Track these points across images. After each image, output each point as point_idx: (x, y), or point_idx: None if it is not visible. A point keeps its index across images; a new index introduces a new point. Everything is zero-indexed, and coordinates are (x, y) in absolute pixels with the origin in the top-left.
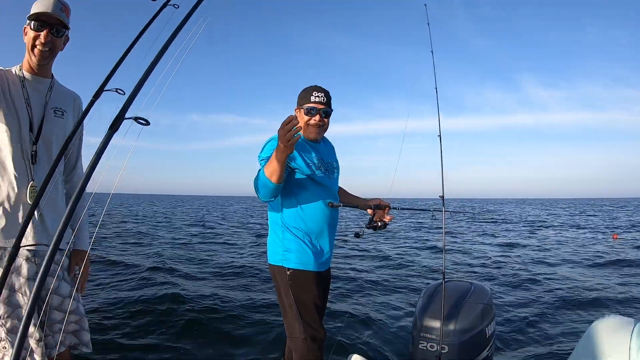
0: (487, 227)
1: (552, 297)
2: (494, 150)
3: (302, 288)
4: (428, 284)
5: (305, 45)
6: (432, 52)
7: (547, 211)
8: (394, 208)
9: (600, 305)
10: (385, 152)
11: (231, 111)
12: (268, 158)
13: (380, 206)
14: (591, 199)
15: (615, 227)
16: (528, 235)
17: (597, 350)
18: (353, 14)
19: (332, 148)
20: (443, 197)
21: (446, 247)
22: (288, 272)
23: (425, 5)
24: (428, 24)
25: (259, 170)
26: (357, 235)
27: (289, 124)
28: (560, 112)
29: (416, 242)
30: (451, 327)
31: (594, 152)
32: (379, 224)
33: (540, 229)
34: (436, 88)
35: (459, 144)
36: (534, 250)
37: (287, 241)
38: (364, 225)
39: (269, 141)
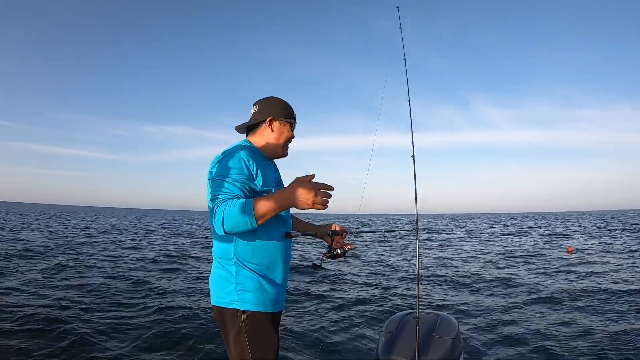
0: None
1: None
2: (446, 166)
3: (260, 334)
4: (392, 312)
5: (260, 59)
6: (404, 59)
7: (496, 224)
8: (350, 232)
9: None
10: (345, 167)
11: (183, 123)
12: (241, 180)
13: (337, 232)
14: (540, 212)
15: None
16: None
17: None
18: (313, 32)
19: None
20: (417, 229)
21: (405, 269)
22: (244, 316)
23: (397, 7)
24: (400, 28)
25: (244, 201)
26: (315, 266)
27: (328, 189)
28: (510, 130)
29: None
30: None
31: (542, 168)
32: (339, 251)
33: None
34: (409, 101)
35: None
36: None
37: (243, 278)
38: (321, 256)
39: (235, 157)
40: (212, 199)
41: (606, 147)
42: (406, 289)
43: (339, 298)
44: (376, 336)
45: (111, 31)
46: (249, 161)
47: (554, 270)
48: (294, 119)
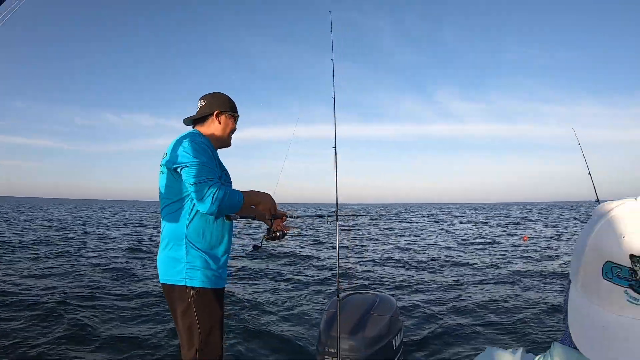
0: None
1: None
2: (411, 158)
3: (207, 308)
4: (330, 297)
5: (226, 49)
6: (332, 60)
7: (459, 214)
8: (290, 217)
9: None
10: (305, 157)
11: (146, 111)
12: (212, 165)
13: (276, 215)
14: (503, 203)
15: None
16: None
17: None
18: (278, 22)
19: None
20: (337, 212)
21: (350, 258)
22: (193, 292)
23: (330, 11)
24: (331, 31)
25: (235, 191)
26: (255, 247)
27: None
28: (477, 123)
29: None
30: (356, 341)
31: (508, 161)
32: (278, 234)
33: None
34: (334, 97)
35: (378, 150)
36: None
37: (192, 258)
38: (261, 237)
39: (203, 145)
40: (199, 182)
41: (570, 142)
42: (346, 269)
43: (286, 280)
44: (319, 316)
45: (70, 12)
46: (211, 148)
47: (506, 255)
48: (237, 112)
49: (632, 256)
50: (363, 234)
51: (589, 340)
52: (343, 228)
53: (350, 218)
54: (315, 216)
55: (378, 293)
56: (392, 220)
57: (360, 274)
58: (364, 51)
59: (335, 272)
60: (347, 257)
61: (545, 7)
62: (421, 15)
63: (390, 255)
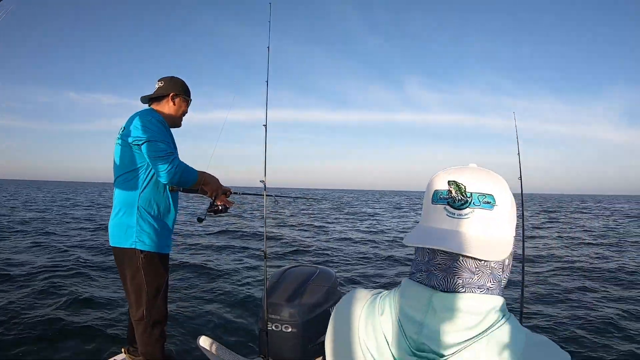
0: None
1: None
2: (376, 144)
3: (154, 271)
4: (278, 267)
5: (192, 30)
6: (268, 47)
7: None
8: (234, 193)
9: None
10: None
11: (110, 91)
12: (170, 141)
13: (220, 190)
14: None
15: None
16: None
17: (339, 323)
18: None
19: None
20: (265, 190)
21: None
22: (141, 255)
23: (270, 3)
24: (269, 22)
25: (191, 168)
26: (199, 219)
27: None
28: (441, 113)
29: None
30: (295, 308)
31: (470, 150)
32: (220, 207)
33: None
34: (267, 81)
35: (342, 136)
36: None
37: (143, 224)
38: (205, 210)
39: (161, 122)
40: (161, 156)
41: (528, 135)
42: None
43: (223, 249)
44: (262, 286)
45: None
46: (166, 126)
47: None
48: (190, 97)
49: (449, 182)
50: (323, 217)
51: (413, 238)
52: (292, 211)
53: (288, 200)
54: (254, 194)
55: (319, 266)
56: (356, 205)
57: (315, 250)
58: (329, 35)
59: (263, 242)
60: (295, 233)
61: (511, 3)
62: (387, 3)
63: (345, 236)
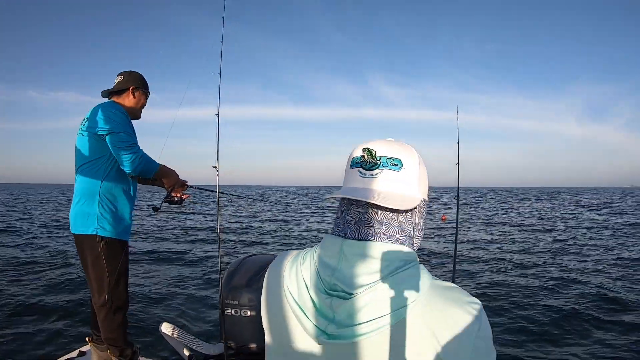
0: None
1: None
2: (339, 139)
3: (115, 257)
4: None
5: (156, 24)
6: (221, 42)
7: None
8: (190, 186)
9: None
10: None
11: (72, 89)
12: (133, 132)
13: (177, 183)
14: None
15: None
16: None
17: (270, 276)
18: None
19: None
20: (217, 171)
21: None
22: (102, 242)
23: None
24: (223, 17)
25: (152, 160)
26: (155, 209)
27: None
28: (405, 108)
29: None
30: (254, 293)
31: (435, 146)
32: (176, 199)
33: None
34: (220, 73)
35: (304, 131)
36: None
37: (104, 211)
38: (161, 200)
39: (124, 114)
40: (126, 147)
41: (495, 130)
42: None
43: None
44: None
45: None
46: (129, 118)
47: (432, 234)
48: (149, 90)
49: (363, 149)
50: (286, 212)
51: (330, 195)
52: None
53: (244, 200)
54: (209, 190)
55: (275, 254)
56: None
57: (274, 241)
58: (297, 30)
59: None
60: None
61: (476, 1)
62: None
63: (311, 228)
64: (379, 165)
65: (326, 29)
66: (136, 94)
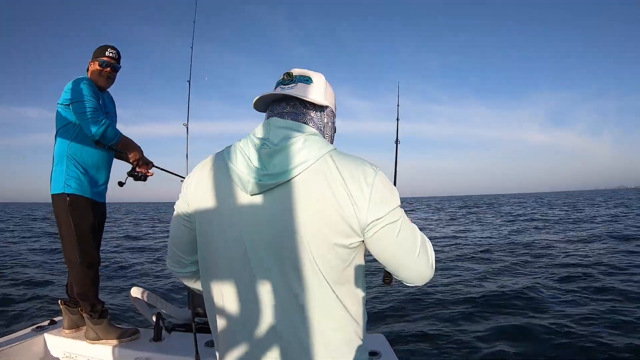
0: None
1: None
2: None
3: (80, 214)
4: None
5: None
6: (191, 47)
7: None
8: (156, 167)
9: None
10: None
11: (33, 104)
12: (92, 100)
13: (145, 161)
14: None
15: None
16: None
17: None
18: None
19: (113, 101)
20: (187, 125)
21: None
22: (67, 198)
23: (196, 2)
24: (194, 21)
25: (115, 128)
26: (120, 183)
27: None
28: (371, 121)
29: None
30: None
31: (401, 157)
32: (140, 175)
33: None
34: (189, 80)
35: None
36: None
37: (70, 171)
38: (126, 174)
39: (88, 85)
40: (86, 112)
41: (460, 139)
42: None
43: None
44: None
45: None
46: (93, 89)
47: None
48: (101, 56)
49: (284, 73)
50: None
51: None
52: None
53: None
54: (175, 174)
55: None
56: None
57: None
58: (259, 42)
59: None
60: None
61: (437, 13)
62: (318, 15)
63: None
64: (294, 81)
65: (288, 43)
66: (91, 64)
